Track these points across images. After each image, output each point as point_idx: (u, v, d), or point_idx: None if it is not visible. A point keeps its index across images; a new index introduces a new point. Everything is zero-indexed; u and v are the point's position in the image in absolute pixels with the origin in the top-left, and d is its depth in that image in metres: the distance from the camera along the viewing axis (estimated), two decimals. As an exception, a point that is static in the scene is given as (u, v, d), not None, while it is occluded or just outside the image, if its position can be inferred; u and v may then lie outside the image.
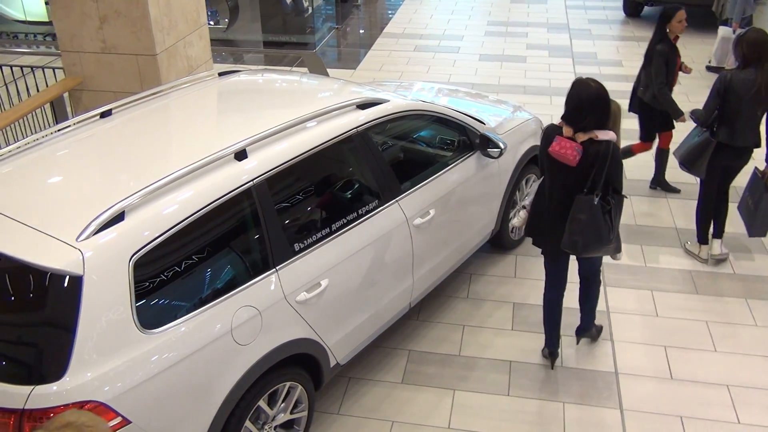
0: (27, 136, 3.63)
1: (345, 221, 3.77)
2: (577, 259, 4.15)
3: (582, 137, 3.71)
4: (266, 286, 3.32)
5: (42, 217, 2.95)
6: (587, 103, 3.67)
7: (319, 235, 3.62)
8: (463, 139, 4.70)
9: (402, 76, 9.33)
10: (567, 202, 3.82)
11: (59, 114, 6.03)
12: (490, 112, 5.35)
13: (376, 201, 3.96)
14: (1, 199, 3.09)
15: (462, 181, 4.58)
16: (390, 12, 12.76)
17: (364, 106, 4.03)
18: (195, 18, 6.34)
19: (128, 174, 3.27)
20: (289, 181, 3.58)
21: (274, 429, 3.55)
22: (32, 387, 2.65)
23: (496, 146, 4.62)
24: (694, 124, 5.22)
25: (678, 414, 4.04)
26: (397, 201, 4.07)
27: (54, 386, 2.66)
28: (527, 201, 5.41)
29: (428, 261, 4.38)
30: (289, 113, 3.77)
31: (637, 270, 5.32)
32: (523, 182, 5.36)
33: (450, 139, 4.68)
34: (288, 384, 3.52)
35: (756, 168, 5.07)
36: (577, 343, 4.58)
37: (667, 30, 5.68)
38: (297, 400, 3.63)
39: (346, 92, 4.40)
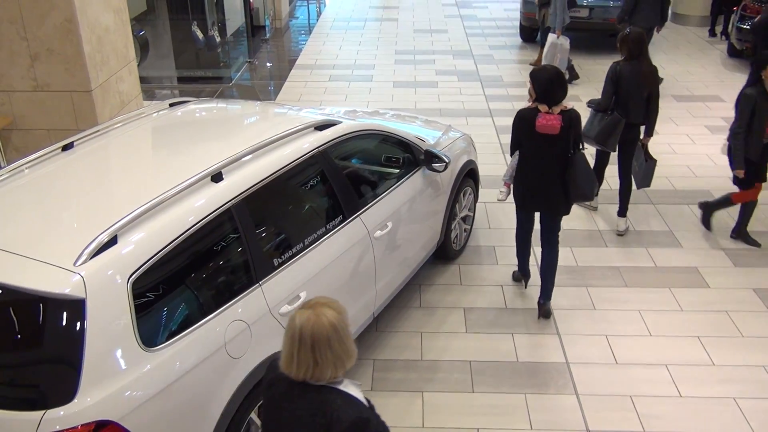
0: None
1: (316, 236, 3.94)
2: (548, 222, 4.98)
3: (557, 109, 4.59)
4: (253, 301, 3.44)
5: (34, 246, 2.97)
6: (556, 80, 4.57)
7: (294, 250, 3.78)
8: (408, 156, 4.98)
9: (321, 105, 9.58)
10: (557, 163, 4.71)
11: (-11, 155, 5.89)
12: (425, 132, 5.65)
13: (341, 216, 4.16)
14: None
15: (411, 195, 4.85)
16: (298, 45, 13.02)
17: (321, 127, 4.24)
18: (124, 53, 6.37)
19: (111, 201, 3.33)
20: (262, 200, 3.72)
21: (263, 442, 3.64)
22: (43, 412, 2.67)
23: (441, 161, 4.93)
24: (595, 112, 6.06)
25: (628, 394, 4.41)
26: (358, 215, 4.28)
27: (64, 410, 2.68)
28: (465, 212, 5.78)
29: (388, 272, 4.60)
30: (252, 137, 3.94)
31: (570, 270, 5.73)
32: (461, 195, 5.68)
33: (396, 156, 4.94)
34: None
35: (639, 140, 6.05)
36: (539, 317, 5.13)
37: (763, 76, 5.51)
38: (282, 412, 3.73)
39: (300, 115, 4.59)
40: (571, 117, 4.60)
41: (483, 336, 4.96)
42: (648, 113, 5.90)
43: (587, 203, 6.48)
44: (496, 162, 7.65)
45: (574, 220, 6.46)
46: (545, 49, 10.07)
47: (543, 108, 4.60)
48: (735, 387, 4.46)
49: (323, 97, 9.95)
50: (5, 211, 3.31)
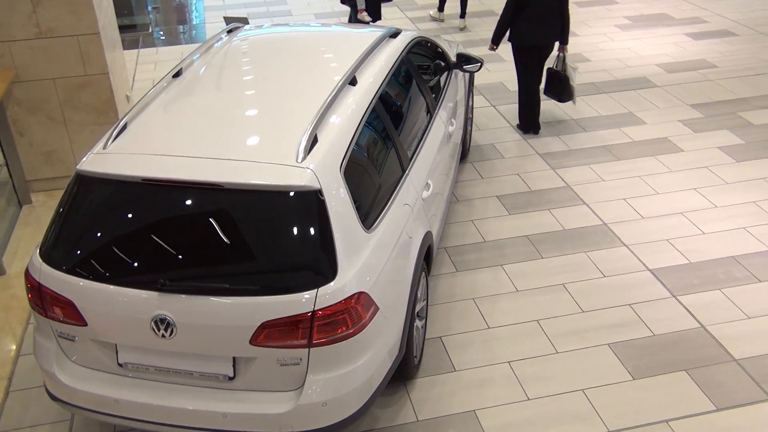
0: None
1: (422, 131, 4.33)
2: None
3: None
4: (408, 186, 3.82)
5: (252, 152, 3.16)
6: None
7: (416, 143, 4.15)
8: (440, 61, 5.39)
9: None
10: None
11: (-5, 110, 5.58)
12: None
13: (429, 114, 4.56)
14: (207, 148, 3.22)
15: (454, 95, 5.30)
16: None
17: (393, 35, 4.57)
18: (107, -4, 6.18)
19: (285, 109, 3.53)
20: (387, 99, 4.04)
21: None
22: (316, 290, 2.96)
23: (475, 61, 5.40)
24: None
25: (664, 239, 5.25)
26: (437, 113, 4.69)
27: (333, 285, 2.99)
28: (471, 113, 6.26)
29: (452, 165, 5.07)
30: (349, 48, 4.21)
31: (566, 154, 6.47)
32: (470, 96, 6.20)
33: (433, 62, 5.33)
34: (422, 274, 4.04)
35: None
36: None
37: None
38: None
39: (366, 29, 4.86)
40: None
41: (525, 215, 5.60)
42: None
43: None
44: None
45: (560, 117, 7.21)
46: None
47: None
48: (741, 220, 5.42)
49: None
50: (198, 128, 3.41)
